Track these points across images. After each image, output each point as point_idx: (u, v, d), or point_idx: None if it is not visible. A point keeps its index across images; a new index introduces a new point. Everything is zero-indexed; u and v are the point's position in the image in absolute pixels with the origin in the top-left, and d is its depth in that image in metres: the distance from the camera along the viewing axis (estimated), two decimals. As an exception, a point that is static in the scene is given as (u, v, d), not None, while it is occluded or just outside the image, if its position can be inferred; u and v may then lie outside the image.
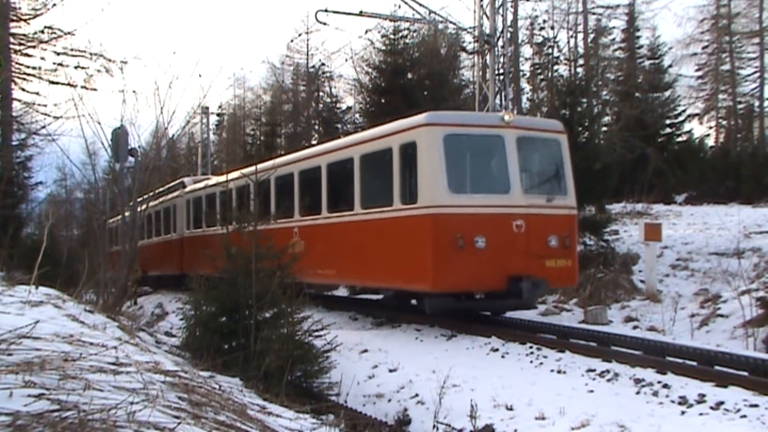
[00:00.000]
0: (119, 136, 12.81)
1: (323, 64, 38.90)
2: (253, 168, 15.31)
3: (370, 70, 27.77)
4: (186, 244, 20.39)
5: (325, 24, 18.04)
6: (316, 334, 7.69)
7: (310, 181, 13.23)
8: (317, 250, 12.26)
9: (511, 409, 6.47)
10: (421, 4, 18.58)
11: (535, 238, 9.94)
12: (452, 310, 10.37)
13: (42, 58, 21.84)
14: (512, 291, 9.69)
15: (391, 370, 8.47)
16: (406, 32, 25.31)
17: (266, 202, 14.38)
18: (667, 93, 30.51)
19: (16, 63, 21.97)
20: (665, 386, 6.71)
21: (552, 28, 33.47)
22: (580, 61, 33.11)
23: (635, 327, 11.71)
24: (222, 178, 17.89)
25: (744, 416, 5.78)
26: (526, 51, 34.68)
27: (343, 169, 12.05)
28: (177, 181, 22.90)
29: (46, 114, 20.82)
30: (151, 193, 22.86)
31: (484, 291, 10.16)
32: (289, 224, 13.48)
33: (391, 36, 24.92)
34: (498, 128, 10.14)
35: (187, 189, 21.01)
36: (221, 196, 17.39)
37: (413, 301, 11.23)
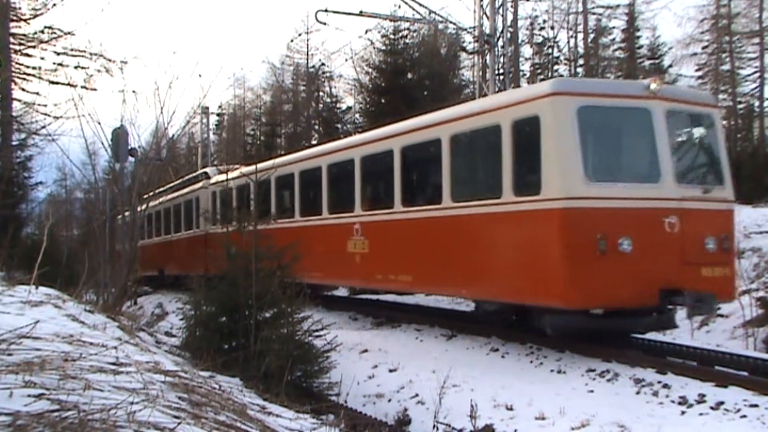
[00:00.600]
0: (119, 136, 12.79)
1: (323, 64, 38.98)
2: (295, 155, 14.29)
3: (370, 70, 27.82)
4: (211, 241, 17.27)
5: (325, 24, 18.10)
6: (316, 334, 7.70)
7: (377, 168, 11.42)
8: (386, 251, 10.79)
9: (511, 409, 6.48)
10: (421, 4, 18.61)
11: (691, 240, 8.00)
12: (580, 331, 8.35)
13: (42, 58, 21.89)
14: (665, 308, 7.91)
15: (391, 370, 8.47)
16: (406, 32, 25.36)
17: (317, 193, 12.97)
18: (668, 93, 30.42)
19: (16, 63, 21.99)
20: (665, 386, 6.71)
21: (552, 28, 33.55)
22: (580, 61, 33.16)
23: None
24: (261, 166, 16.10)
25: (744, 416, 5.79)
26: (526, 51, 34.74)
27: (426, 153, 10.16)
28: (199, 172, 21.71)
29: (46, 114, 20.85)
30: (166, 186, 22.40)
31: (628, 307, 8.11)
32: (347, 219, 11.81)
33: (391, 36, 24.96)
34: (643, 99, 8.10)
35: (212, 180, 18.99)
36: (258, 187, 16.04)
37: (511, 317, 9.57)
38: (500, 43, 17.22)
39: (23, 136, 21.86)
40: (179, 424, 2.64)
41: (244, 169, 16.32)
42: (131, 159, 13.85)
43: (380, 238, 11.01)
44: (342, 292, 17.87)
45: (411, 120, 10.75)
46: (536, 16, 33.61)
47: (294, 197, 13.89)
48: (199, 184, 20.03)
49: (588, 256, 7.59)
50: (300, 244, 12.65)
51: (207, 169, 21.09)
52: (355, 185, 11.69)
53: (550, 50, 33.81)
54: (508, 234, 8.41)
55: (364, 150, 11.68)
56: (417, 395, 7.41)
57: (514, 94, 8.80)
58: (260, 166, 15.16)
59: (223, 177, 17.97)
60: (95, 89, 20.39)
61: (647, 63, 31.67)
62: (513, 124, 8.34)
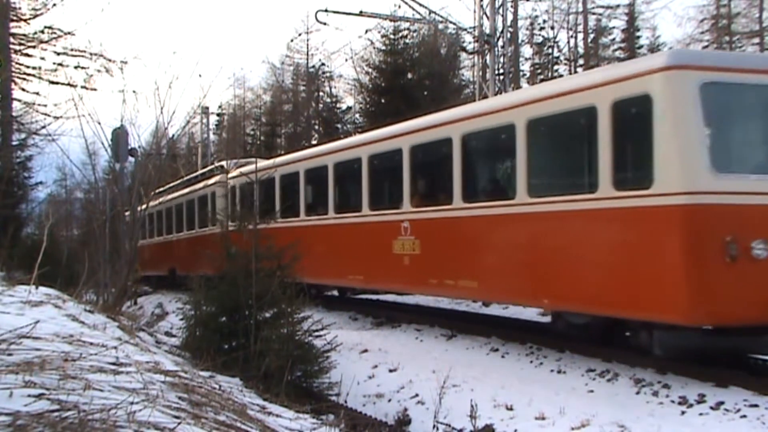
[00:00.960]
0: (119, 136, 12.80)
1: (323, 64, 39.02)
2: (329, 146, 13.23)
3: (370, 70, 27.87)
4: (228, 240, 16.15)
5: (325, 24, 18.14)
6: (316, 334, 7.69)
7: (430, 159, 10.38)
8: (443, 253, 9.59)
9: (511, 409, 6.48)
10: (421, 4, 18.62)
11: None
12: (695, 352, 7.09)
13: (42, 58, 21.90)
14: None
15: (391, 370, 8.47)
16: (406, 32, 25.40)
17: (355, 188, 11.76)
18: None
19: (16, 63, 21.99)
20: (665, 386, 6.71)
21: (552, 28, 33.63)
22: (580, 61, 33.18)
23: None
24: (287, 158, 14.62)
25: (744, 416, 5.79)
26: (526, 51, 34.80)
27: (495, 141, 9.15)
28: (214, 165, 20.67)
29: (46, 114, 20.86)
30: (177, 181, 21.90)
31: (760, 324, 6.70)
32: (393, 217, 10.60)
33: (391, 36, 25.00)
34: None
35: (231, 174, 17.51)
36: (284, 181, 14.21)
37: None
38: (500, 43, 17.23)
39: (23, 136, 21.88)
40: (179, 424, 2.64)
41: (268, 162, 14.84)
42: (131, 159, 13.87)
43: (435, 238, 9.78)
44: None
45: (475, 104, 9.65)
46: (536, 16, 33.72)
47: (327, 192, 12.67)
48: (215, 179, 18.58)
49: (715, 262, 6.33)
50: (334, 244, 12.20)
51: (223, 163, 19.59)
52: (403, 178, 10.36)
53: (550, 50, 33.90)
54: (606, 235, 7.14)
55: (414, 138, 10.32)
56: (417, 395, 7.41)
57: (615, 69, 7.45)
58: (287, 158, 14.29)
59: (243, 170, 16.21)
60: (95, 89, 20.42)
61: (647, 63, 31.61)
62: (614, 106, 6.99)
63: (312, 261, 12.63)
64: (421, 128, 10.27)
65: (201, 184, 20.00)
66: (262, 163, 15.60)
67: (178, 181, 22.44)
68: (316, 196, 13.46)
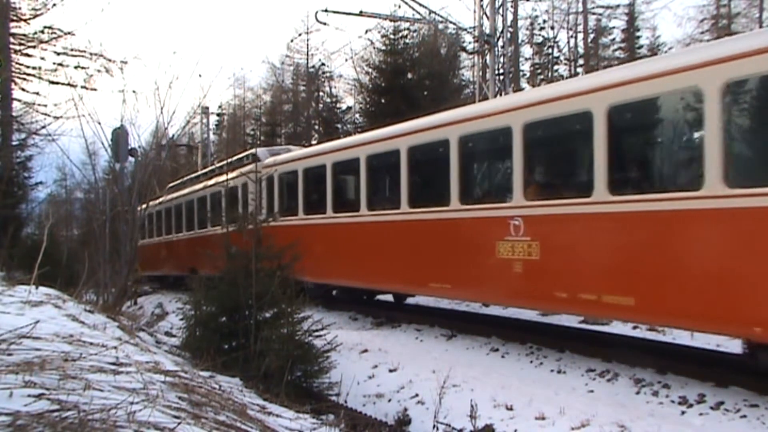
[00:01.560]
0: (119, 136, 12.81)
1: (323, 64, 39.07)
2: (403, 126, 10.97)
3: (370, 70, 27.88)
4: (268, 237, 13.02)
5: (325, 24, 18.17)
6: (316, 334, 7.69)
7: (555, 140, 8.45)
8: (576, 259, 7.60)
9: (511, 409, 6.48)
10: (421, 4, 18.66)
11: None
12: None
13: (42, 58, 21.90)
14: None
15: (391, 370, 8.47)
16: (406, 32, 25.41)
17: (439, 177, 9.73)
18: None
19: (16, 63, 21.99)
20: (665, 386, 6.72)
21: (552, 28, 33.63)
22: (580, 61, 33.18)
23: (635, 327, 11.72)
24: (341, 143, 12.74)
25: (744, 416, 5.79)
26: (526, 51, 34.82)
27: (663, 112, 7.01)
28: (244, 153, 18.65)
29: (46, 114, 20.85)
30: (199, 173, 21.43)
31: None
32: (497, 213, 8.62)
33: (391, 36, 25.01)
34: None
35: (266, 162, 15.25)
36: (336, 169, 12.32)
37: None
38: (500, 43, 17.24)
39: (23, 136, 21.87)
40: (179, 424, 2.64)
41: (320, 147, 13.02)
42: (131, 159, 13.88)
43: (563, 239, 7.80)
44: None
45: (627, 67, 7.52)
46: (536, 16, 33.75)
47: (399, 182, 10.54)
48: (247, 168, 16.20)
49: None
50: (408, 245, 10.43)
51: (258, 150, 17.27)
52: (513, 165, 8.34)
53: (550, 50, 33.91)
54: None
55: (530, 114, 8.15)
56: (417, 395, 7.41)
57: None
58: (340, 143, 12.64)
59: (284, 157, 14.07)
60: (95, 89, 20.45)
61: (647, 63, 31.60)
62: None
63: (373, 264, 11.27)
64: (542, 101, 8.13)
65: (232, 174, 17.74)
66: (310, 149, 14.13)
67: (200, 172, 22.08)
68: (382, 187, 11.62)
